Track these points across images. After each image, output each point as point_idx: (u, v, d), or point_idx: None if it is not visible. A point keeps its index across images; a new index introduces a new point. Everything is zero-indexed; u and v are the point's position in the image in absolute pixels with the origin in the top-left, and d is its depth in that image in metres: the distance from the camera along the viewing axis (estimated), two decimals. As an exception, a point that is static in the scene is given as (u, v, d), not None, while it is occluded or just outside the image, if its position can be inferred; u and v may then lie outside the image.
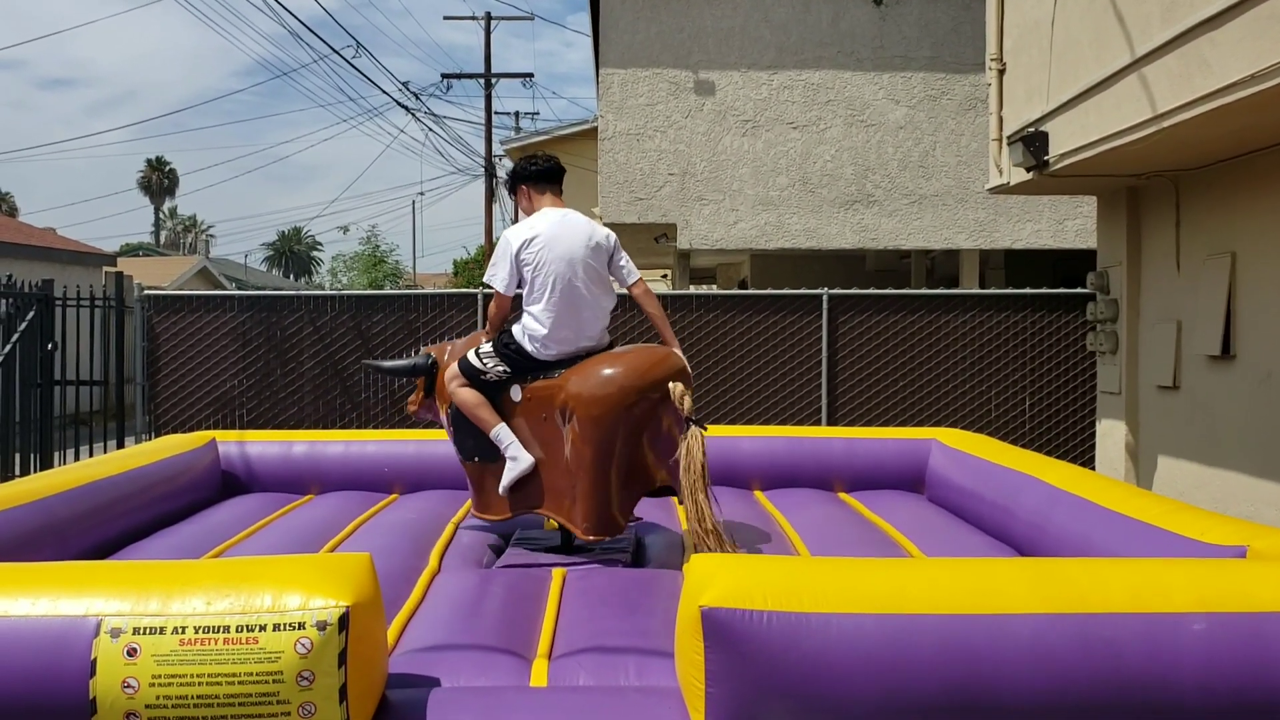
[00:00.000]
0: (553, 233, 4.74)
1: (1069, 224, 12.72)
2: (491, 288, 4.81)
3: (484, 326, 5.41)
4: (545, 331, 4.71)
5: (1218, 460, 7.08)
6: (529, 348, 4.75)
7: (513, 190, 5.06)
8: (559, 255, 4.71)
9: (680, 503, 4.56)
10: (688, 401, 4.45)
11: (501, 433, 4.80)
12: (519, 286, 4.80)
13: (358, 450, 6.46)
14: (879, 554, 4.61)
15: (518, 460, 4.77)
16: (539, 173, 4.95)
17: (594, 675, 3.15)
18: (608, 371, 4.54)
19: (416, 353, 5.63)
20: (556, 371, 4.72)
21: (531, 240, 4.72)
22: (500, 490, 4.86)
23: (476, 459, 4.99)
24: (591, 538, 4.61)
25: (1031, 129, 7.59)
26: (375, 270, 36.83)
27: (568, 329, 4.73)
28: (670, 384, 4.50)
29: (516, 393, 4.81)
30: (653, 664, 3.19)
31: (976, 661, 2.59)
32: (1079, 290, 9.55)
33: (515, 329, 4.83)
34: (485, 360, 4.82)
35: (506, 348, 4.82)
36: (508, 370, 4.80)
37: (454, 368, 4.92)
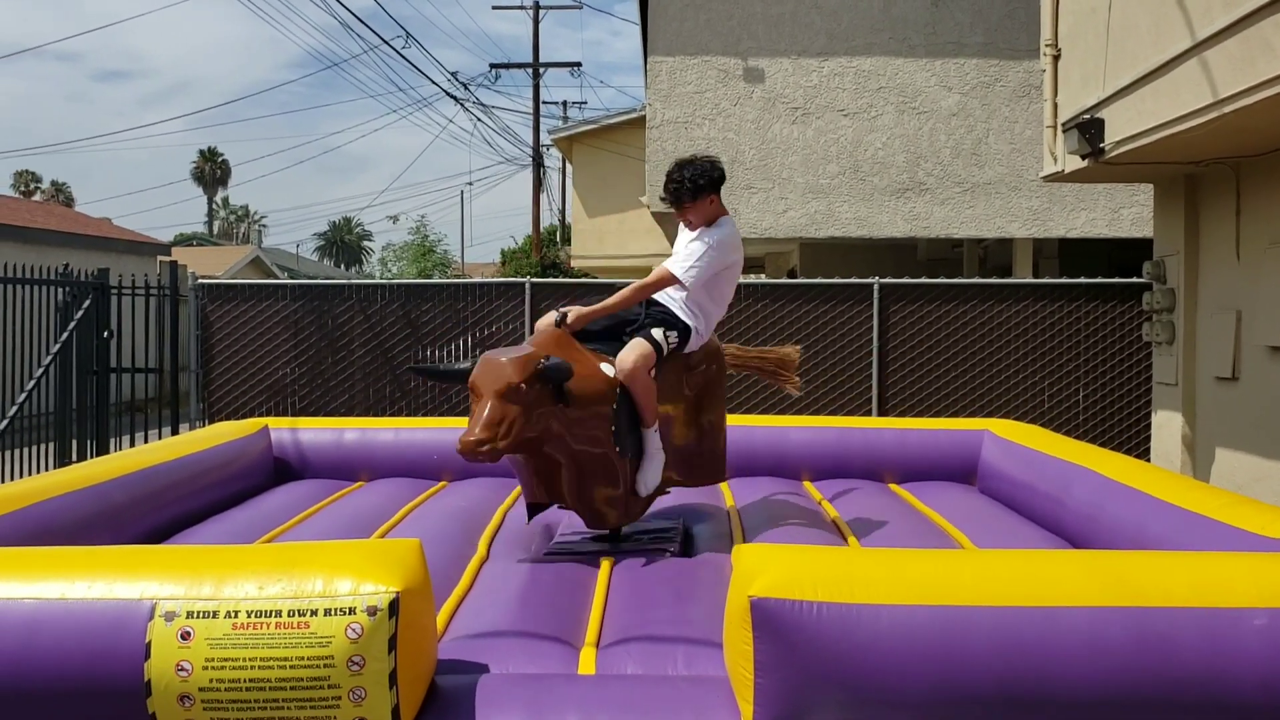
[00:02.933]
0: None
1: (1125, 212, 12.51)
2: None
3: (538, 316, 5.30)
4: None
5: (1279, 453, 6.94)
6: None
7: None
8: None
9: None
10: None
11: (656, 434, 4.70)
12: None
13: (407, 437, 6.50)
14: (930, 545, 4.57)
15: (659, 455, 4.72)
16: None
17: (642, 664, 3.15)
18: None
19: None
20: None
21: None
22: (649, 488, 4.70)
23: (631, 455, 4.66)
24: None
25: (1087, 116, 7.47)
26: (424, 260, 37.04)
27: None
28: None
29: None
30: (701, 654, 3.18)
31: (1029, 654, 2.56)
32: (1135, 280, 9.39)
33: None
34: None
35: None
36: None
37: (646, 346, 4.60)
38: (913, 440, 6.37)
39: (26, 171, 63.92)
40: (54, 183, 64.66)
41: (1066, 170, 8.10)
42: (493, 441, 4.02)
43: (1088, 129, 7.36)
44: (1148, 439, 9.18)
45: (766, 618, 2.57)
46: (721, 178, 4.77)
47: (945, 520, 5.17)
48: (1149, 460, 8.80)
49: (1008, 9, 12.55)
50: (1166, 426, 8.50)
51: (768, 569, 2.66)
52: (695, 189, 4.67)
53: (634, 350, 4.51)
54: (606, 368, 4.49)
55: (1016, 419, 8.74)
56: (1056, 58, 8.31)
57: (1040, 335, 9.56)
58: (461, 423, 6.76)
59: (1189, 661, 2.56)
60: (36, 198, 55.19)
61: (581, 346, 4.58)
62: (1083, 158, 7.60)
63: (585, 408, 4.31)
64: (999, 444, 6.02)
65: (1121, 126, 7.04)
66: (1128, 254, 12.62)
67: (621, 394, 4.51)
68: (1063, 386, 9.56)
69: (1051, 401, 9.56)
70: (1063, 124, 7.99)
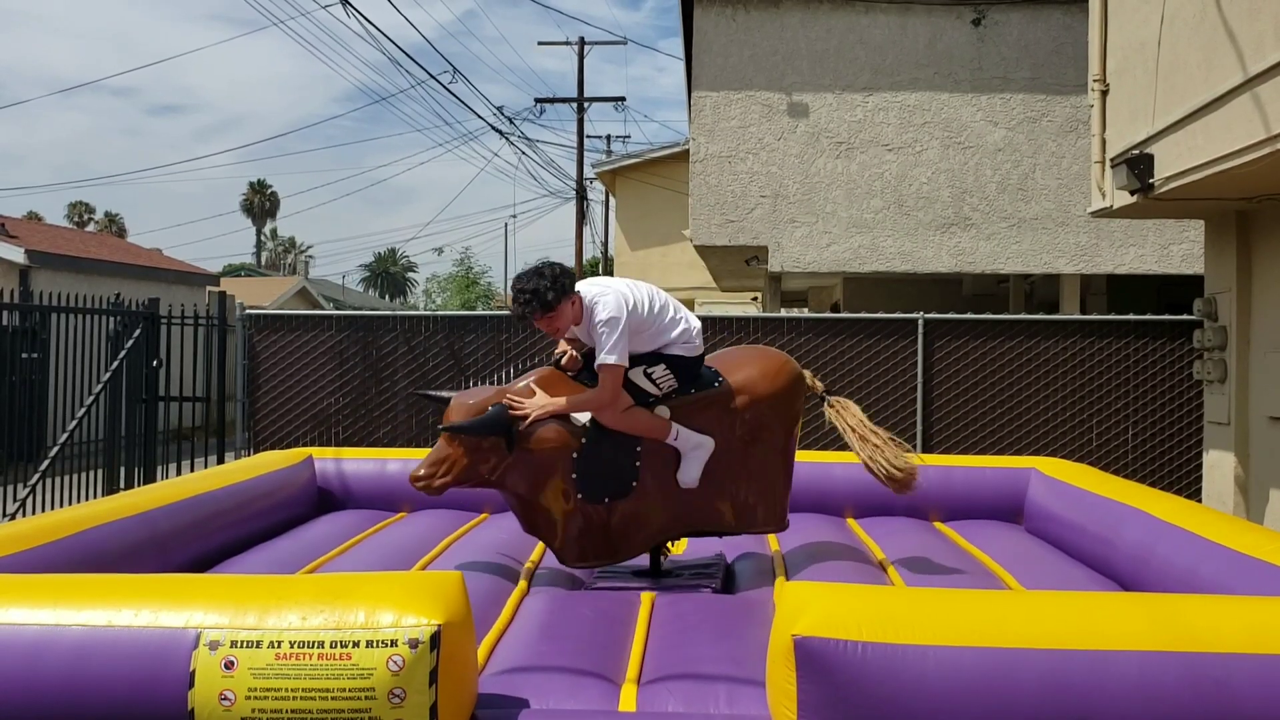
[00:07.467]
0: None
1: (1174, 249, 12.37)
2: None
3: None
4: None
5: (1333, 495, 6.80)
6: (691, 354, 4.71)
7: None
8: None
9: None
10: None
11: (683, 431, 4.66)
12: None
13: (450, 469, 6.50)
14: (976, 586, 4.50)
15: (703, 445, 4.68)
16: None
17: (684, 702, 3.11)
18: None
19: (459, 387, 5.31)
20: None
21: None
22: (693, 482, 4.67)
23: (607, 499, 4.63)
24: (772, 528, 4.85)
25: (1136, 151, 7.40)
26: (468, 291, 37.34)
27: None
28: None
29: (664, 410, 4.67)
30: (743, 692, 3.14)
31: (1080, 699, 2.51)
32: (1185, 317, 9.27)
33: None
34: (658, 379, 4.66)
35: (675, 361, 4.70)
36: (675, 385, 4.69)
37: (598, 390, 4.52)
38: (958, 478, 6.30)
39: (80, 203, 65.31)
40: (107, 214, 65.91)
41: (1115, 206, 8.02)
42: (429, 479, 4.47)
43: (1137, 165, 7.29)
44: (1198, 479, 9.02)
45: (810, 657, 2.54)
46: (572, 283, 4.54)
47: (991, 560, 5.10)
48: (1199, 501, 8.65)
49: (1054, 45, 12.50)
50: (1218, 467, 8.35)
51: (812, 607, 2.63)
52: (545, 304, 4.45)
53: (591, 398, 4.55)
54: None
55: (1063, 457, 8.62)
56: (1105, 93, 8.25)
57: (1088, 372, 9.44)
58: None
59: (1245, 710, 2.50)
60: (90, 229, 56.23)
61: (575, 384, 4.67)
62: (1132, 193, 7.53)
63: (535, 453, 4.49)
64: (1046, 483, 5.94)
65: (1172, 162, 6.98)
66: (1177, 290, 12.49)
67: (607, 434, 4.56)
68: (1110, 425, 9.43)
69: (1099, 440, 9.42)
70: (1111, 159, 7.93)
